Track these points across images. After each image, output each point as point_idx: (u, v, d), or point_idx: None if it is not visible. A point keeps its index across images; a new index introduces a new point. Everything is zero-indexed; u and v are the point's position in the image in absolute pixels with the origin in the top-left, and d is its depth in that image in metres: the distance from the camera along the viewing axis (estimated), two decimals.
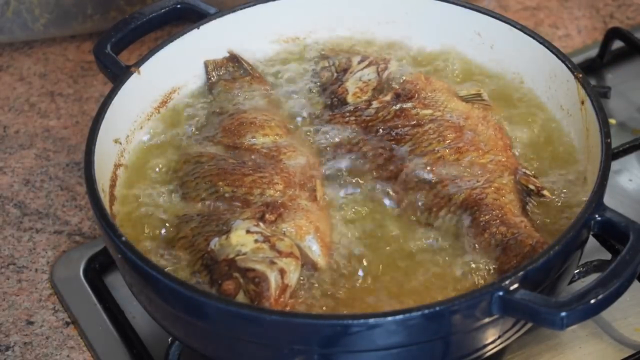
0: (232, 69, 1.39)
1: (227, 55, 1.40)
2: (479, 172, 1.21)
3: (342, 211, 1.22)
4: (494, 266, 1.13)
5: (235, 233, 1.13)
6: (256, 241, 1.13)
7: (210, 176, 1.23)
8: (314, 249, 1.16)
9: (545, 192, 1.20)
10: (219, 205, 1.20)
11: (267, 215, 1.16)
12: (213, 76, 1.38)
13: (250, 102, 1.34)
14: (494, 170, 1.21)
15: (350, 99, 1.33)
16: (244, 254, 1.11)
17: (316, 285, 1.14)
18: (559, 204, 1.21)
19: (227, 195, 1.21)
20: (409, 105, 1.29)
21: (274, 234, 1.14)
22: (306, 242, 1.16)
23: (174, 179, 1.26)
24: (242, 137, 1.28)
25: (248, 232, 1.14)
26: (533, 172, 1.24)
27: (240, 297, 1.08)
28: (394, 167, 1.24)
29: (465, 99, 1.31)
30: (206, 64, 1.39)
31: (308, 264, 1.14)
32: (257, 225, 1.15)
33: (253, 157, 1.25)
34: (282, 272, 1.10)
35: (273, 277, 1.09)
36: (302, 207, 1.19)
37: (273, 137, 1.28)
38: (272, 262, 1.10)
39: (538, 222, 1.19)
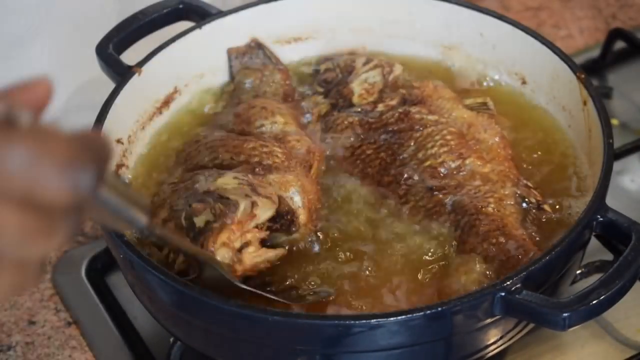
0: (254, 57, 1.39)
1: (250, 42, 1.40)
2: (481, 181, 1.20)
3: (341, 212, 1.21)
4: (491, 273, 1.12)
5: (222, 179, 1.14)
6: (240, 183, 1.13)
7: (213, 146, 1.23)
8: (296, 200, 1.15)
9: (545, 207, 1.19)
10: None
11: (257, 169, 1.17)
12: (236, 64, 1.38)
13: (268, 89, 1.34)
14: (496, 180, 1.21)
15: (356, 100, 1.33)
16: (224, 189, 1.12)
17: (317, 281, 1.14)
18: (560, 207, 1.21)
19: (225, 162, 1.20)
20: (414, 110, 1.29)
21: (260, 184, 1.14)
22: (289, 193, 1.16)
23: (179, 165, 1.25)
24: (251, 123, 1.27)
25: (235, 178, 1.14)
26: (534, 184, 1.22)
27: (204, 215, 1.08)
28: (395, 171, 1.23)
29: (470, 108, 1.31)
30: (229, 52, 1.39)
31: (287, 216, 1.14)
32: (245, 176, 1.15)
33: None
34: (253, 204, 1.10)
35: (243, 204, 1.09)
36: (295, 172, 1.19)
37: (282, 124, 1.27)
38: (247, 196, 1.11)
39: (537, 228, 1.18)
